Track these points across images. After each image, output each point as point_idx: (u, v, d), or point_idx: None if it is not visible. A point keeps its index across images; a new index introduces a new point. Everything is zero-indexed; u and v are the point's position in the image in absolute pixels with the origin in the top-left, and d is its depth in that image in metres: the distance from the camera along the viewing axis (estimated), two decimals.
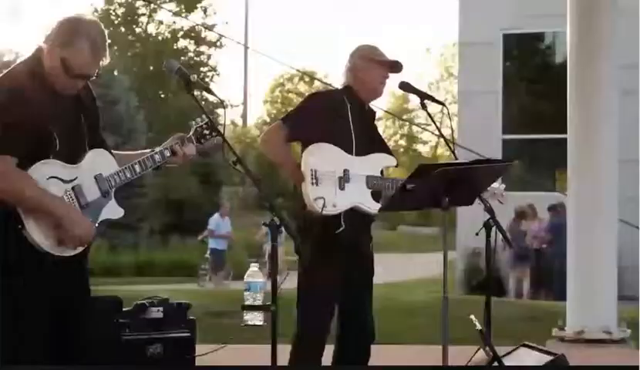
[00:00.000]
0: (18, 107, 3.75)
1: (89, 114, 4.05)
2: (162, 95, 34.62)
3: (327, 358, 4.99)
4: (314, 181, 4.84)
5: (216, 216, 20.77)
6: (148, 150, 4.16)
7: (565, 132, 9.32)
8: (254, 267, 4.24)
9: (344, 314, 5.00)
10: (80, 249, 3.89)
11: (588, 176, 9.00)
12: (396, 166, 5.25)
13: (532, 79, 21.17)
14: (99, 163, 3.98)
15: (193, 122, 4.25)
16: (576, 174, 9.14)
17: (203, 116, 4.23)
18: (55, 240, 3.81)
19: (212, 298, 11.66)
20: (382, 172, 5.11)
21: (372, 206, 4.99)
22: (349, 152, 4.96)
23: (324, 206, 4.74)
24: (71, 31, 3.87)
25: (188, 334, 5.32)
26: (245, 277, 4.21)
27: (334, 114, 4.99)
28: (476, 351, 4.77)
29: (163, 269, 23.51)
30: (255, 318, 4.11)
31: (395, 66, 5.12)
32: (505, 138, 19.95)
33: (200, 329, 5.50)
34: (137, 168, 4.06)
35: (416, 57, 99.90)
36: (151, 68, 33.95)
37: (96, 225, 3.95)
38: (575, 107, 9.12)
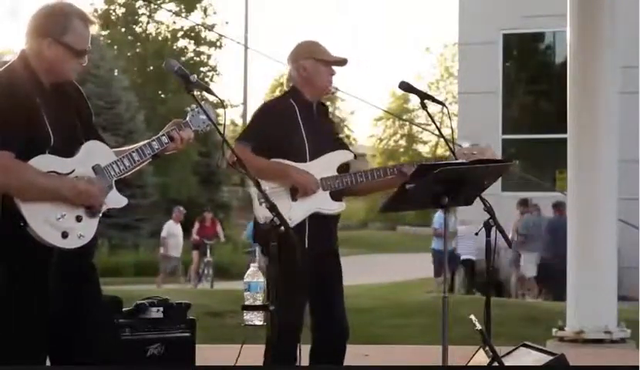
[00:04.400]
0: (10, 104, 3.77)
1: (81, 108, 4.07)
2: (162, 95, 34.58)
3: (305, 359, 4.97)
4: (262, 201, 4.84)
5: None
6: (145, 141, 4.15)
7: (565, 132, 9.32)
8: (253, 267, 4.24)
9: (317, 313, 4.98)
10: (83, 242, 3.87)
11: (588, 176, 9.00)
12: (355, 158, 5.17)
13: (532, 79, 21.18)
14: (95, 154, 3.97)
15: (189, 108, 4.23)
16: (576, 174, 9.14)
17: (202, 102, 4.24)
18: (60, 233, 3.80)
19: (212, 298, 11.66)
20: (344, 167, 5.05)
21: (333, 207, 4.97)
22: (303, 158, 4.93)
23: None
24: (59, 18, 3.92)
25: (188, 334, 5.33)
26: (245, 277, 4.22)
27: (284, 122, 4.94)
28: (476, 351, 4.77)
29: None
30: (255, 318, 4.11)
31: (341, 63, 5.11)
32: (505, 138, 19.96)
33: (200, 329, 5.50)
34: (135, 156, 4.03)
35: (416, 57, 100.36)
36: (151, 68, 33.91)
37: (100, 215, 3.94)
38: (575, 107, 9.11)
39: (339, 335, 5.02)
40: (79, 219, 3.86)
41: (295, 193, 4.87)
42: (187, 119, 4.19)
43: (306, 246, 4.74)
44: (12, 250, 3.79)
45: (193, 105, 4.22)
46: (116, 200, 4.00)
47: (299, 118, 4.99)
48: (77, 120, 4.01)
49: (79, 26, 3.93)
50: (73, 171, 3.88)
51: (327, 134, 5.13)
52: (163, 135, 4.11)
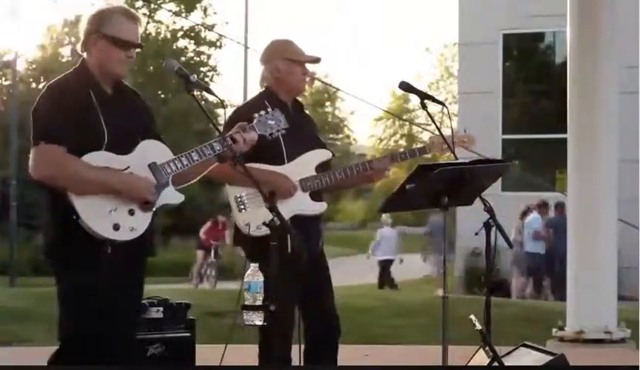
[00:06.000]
0: (64, 103, 3.92)
1: (141, 112, 4.20)
2: (162, 96, 34.61)
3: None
4: (241, 207, 4.82)
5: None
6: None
7: (565, 132, 9.32)
8: (254, 267, 4.23)
9: (307, 315, 4.96)
10: (135, 235, 3.94)
11: (588, 176, 9.00)
12: (334, 156, 5.12)
13: (532, 78, 21.18)
14: (151, 152, 4.07)
15: (256, 115, 4.29)
16: (576, 174, 9.14)
17: (269, 109, 4.34)
18: (112, 225, 3.88)
19: (212, 298, 11.66)
20: (323, 166, 5.02)
21: (314, 208, 4.94)
22: (280, 160, 4.88)
23: (256, 228, 4.64)
24: (102, 14, 4.09)
25: (188, 334, 5.33)
26: (245, 277, 4.21)
27: None
28: (476, 351, 4.77)
29: (163, 269, 23.50)
30: (255, 318, 4.11)
31: (315, 61, 5.07)
32: (505, 138, 19.97)
33: (200, 329, 5.50)
34: (195, 156, 4.11)
35: (416, 57, 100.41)
36: (151, 68, 33.93)
37: (154, 209, 4.02)
38: (575, 107, 9.11)
39: (330, 335, 5.00)
40: (131, 212, 3.95)
41: (273, 197, 4.81)
42: (254, 123, 4.26)
43: (289, 249, 4.68)
44: (66, 242, 3.89)
45: (262, 111, 4.31)
46: (172, 196, 4.09)
47: None
48: (136, 122, 4.12)
49: (119, 19, 4.06)
50: (128, 167, 3.98)
51: (304, 133, 5.04)
52: (226, 137, 4.17)
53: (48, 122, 3.91)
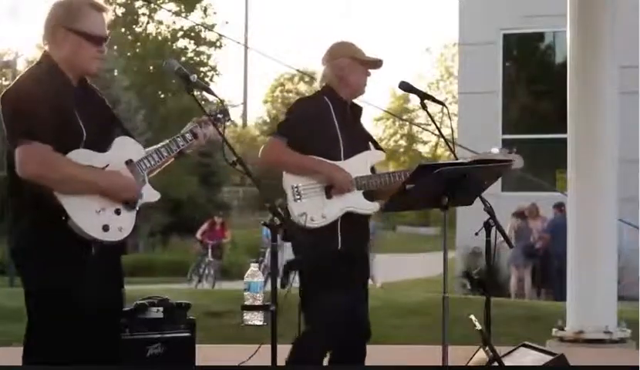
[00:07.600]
0: (42, 101, 3.81)
1: (104, 104, 4.13)
2: (162, 96, 34.61)
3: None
4: (297, 197, 4.81)
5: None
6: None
7: (565, 132, 9.32)
8: (254, 267, 4.24)
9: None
10: (123, 235, 3.89)
11: (588, 176, 9.00)
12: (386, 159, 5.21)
13: (532, 78, 21.20)
14: (126, 148, 4.01)
15: (209, 112, 4.28)
16: (576, 174, 9.14)
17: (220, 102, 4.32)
18: (101, 226, 3.81)
19: (212, 298, 11.65)
20: (372, 169, 5.06)
21: (367, 207, 4.95)
22: (337, 156, 4.90)
23: (310, 220, 4.69)
24: (69, 6, 3.94)
25: (188, 334, 5.33)
26: (245, 277, 4.22)
27: (319, 119, 4.91)
28: (476, 351, 4.77)
29: (163, 269, 23.50)
30: (255, 318, 4.11)
31: (377, 64, 5.10)
32: (505, 138, 19.97)
33: (200, 329, 5.50)
34: (164, 151, 4.09)
35: (415, 57, 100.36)
36: (151, 68, 33.94)
37: (137, 208, 3.96)
38: (575, 107, 9.11)
39: (362, 337, 5.00)
40: (118, 212, 3.88)
41: (330, 191, 4.85)
42: (210, 119, 4.21)
43: (339, 246, 4.75)
44: (51, 244, 3.79)
45: (214, 107, 4.29)
46: (149, 194, 4.04)
47: (334, 116, 4.96)
48: (106, 117, 4.06)
49: (89, 12, 3.94)
50: (107, 165, 3.91)
51: (360, 134, 5.11)
52: (187, 132, 4.15)
53: (28, 120, 3.77)
